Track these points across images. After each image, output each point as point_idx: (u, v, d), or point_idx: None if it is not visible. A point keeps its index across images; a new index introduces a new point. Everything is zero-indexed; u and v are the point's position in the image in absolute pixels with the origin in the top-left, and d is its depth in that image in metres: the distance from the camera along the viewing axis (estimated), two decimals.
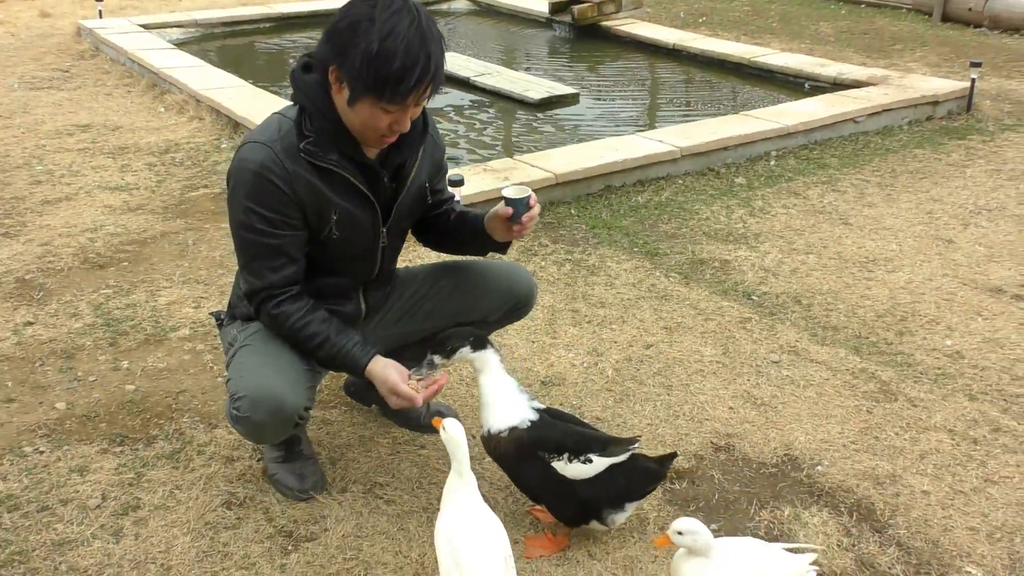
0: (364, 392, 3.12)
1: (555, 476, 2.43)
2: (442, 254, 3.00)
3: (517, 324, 3.69)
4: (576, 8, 9.31)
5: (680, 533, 2.18)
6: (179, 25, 9.45)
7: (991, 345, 3.69)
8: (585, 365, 3.48)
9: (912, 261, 4.45)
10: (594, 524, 2.51)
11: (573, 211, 4.95)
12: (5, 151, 5.87)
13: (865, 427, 3.15)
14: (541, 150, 5.63)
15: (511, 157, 5.29)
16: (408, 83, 2.21)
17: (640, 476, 2.51)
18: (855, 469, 2.93)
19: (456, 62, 8.10)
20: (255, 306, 2.48)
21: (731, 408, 3.23)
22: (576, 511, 2.49)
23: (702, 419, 3.17)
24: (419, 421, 3.04)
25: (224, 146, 5.99)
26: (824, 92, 7.03)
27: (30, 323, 3.72)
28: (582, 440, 2.45)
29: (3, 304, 3.87)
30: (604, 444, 2.46)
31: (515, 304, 2.85)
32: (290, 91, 2.43)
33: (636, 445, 2.49)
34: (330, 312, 2.57)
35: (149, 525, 2.61)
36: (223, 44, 9.38)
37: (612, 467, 2.44)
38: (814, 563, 2.32)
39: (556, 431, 2.45)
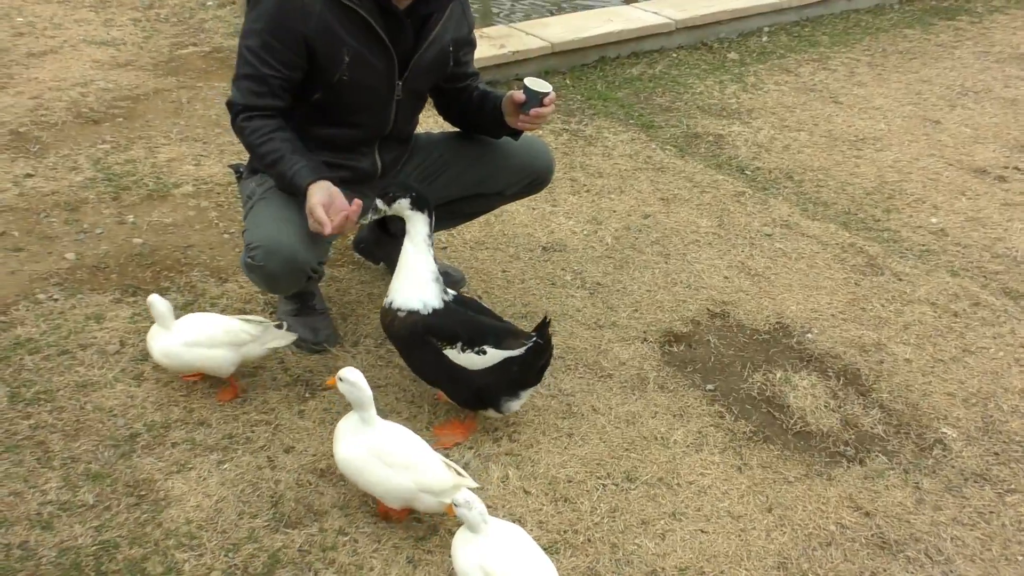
0: (372, 249, 3.18)
1: (447, 363, 2.42)
2: None
3: None
4: None
5: (341, 380, 2.17)
6: None
7: (974, 224, 3.81)
8: (585, 233, 3.56)
9: (900, 141, 4.53)
10: (490, 412, 2.52)
11: (568, 81, 4.94)
12: None
13: (853, 298, 3.28)
14: (536, 18, 5.57)
15: (507, 25, 5.22)
16: None
17: (533, 367, 2.46)
18: (843, 337, 3.08)
19: None
20: (231, 115, 2.51)
21: (726, 277, 3.35)
22: (471, 397, 2.48)
23: (698, 287, 3.28)
24: None
25: (210, 3, 5.85)
26: None
27: (30, 175, 3.71)
28: (477, 331, 2.41)
29: (1, 155, 3.84)
30: (500, 337, 2.42)
31: (534, 178, 2.89)
32: None
33: (533, 340, 2.42)
34: (346, 168, 2.61)
35: (168, 371, 2.70)
36: None
37: (507, 359, 2.41)
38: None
39: (453, 320, 2.41)
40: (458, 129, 2.93)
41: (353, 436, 2.20)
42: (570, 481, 2.44)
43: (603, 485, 2.44)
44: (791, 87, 5.11)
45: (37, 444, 2.43)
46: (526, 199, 3.67)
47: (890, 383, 2.89)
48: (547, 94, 2.54)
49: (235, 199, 3.59)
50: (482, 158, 2.83)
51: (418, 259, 2.41)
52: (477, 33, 4.92)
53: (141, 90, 4.56)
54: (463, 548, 2.01)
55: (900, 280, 3.41)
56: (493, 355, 2.41)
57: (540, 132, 4.33)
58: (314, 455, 2.45)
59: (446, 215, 3.00)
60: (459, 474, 2.18)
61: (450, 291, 2.48)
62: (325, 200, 2.33)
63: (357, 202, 2.31)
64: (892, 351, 3.03)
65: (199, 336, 2.50)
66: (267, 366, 2.75)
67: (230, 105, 2.50)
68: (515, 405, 2.50)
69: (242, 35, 2.44)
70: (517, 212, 3.65)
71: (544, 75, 4.92)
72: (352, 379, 2.16)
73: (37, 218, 3.43)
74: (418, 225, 2.40)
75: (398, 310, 2.41)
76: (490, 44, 4.82)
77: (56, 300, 2.98)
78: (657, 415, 2.69)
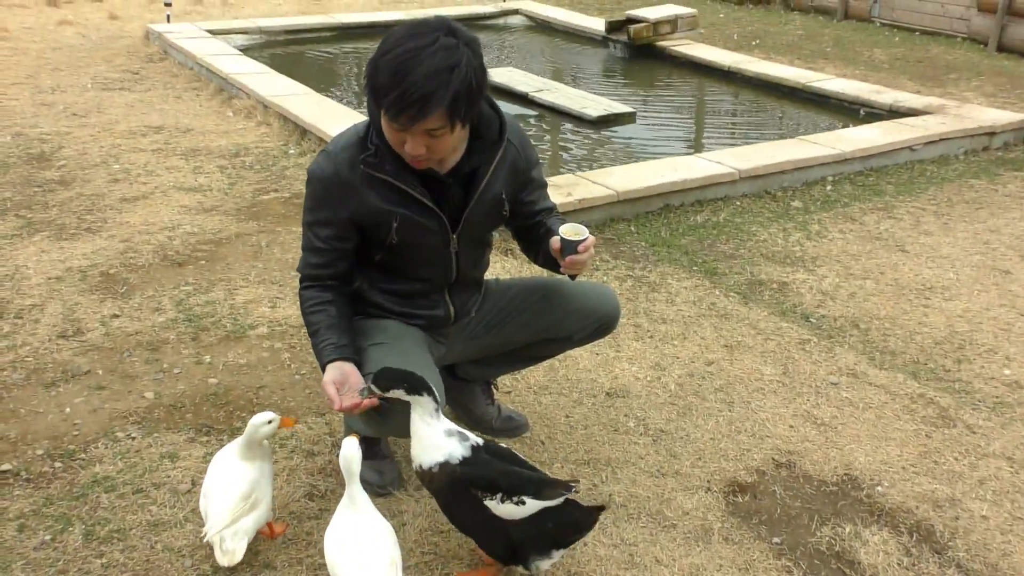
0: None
1: (487, 514, 2.38)
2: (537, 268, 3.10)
3: None
4: (632, 28, 9.43)
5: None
6: (243, 31, 9.70)
7: None
8: (648, 379, 3.58)
9: (969, 290, 4.51)
10: (520, 569, 2.49)
11: (633, 228, 5.06)
12: (83, 149, 6.10)
13: (924, 451, 3.22)
14: (598, 168, 5.75)
15: (573, 174, 5.40)
16: (386, 101, 2.29)
17: (569, 524, 2.45)
18: (914, 491, 3.01)
19: (515, 77, 8.25)
20: (299, 281, 2.68)
21: (791, 426, 3.32)
22: (505, 550, 2.45)
23: (763, 436, 3.26)
24: (491, 425, 3.16)
25: (292, 152, 6.17)
26: (879, 119, 7.09)
27: (116, 316, 3.89)
28: (517, 481, 2.38)
29: (90, 296, 4.05)
30: (538, 487, 2.39)
31: (600, 324, 2.95)
32: (355, 98, 2.57)
33: (572, 491, 2.41)
34: (419, 317, 2.70)
35: None
36: (286, 51, 9.61)
37: (544, 511, 2.38)
38: None
39: (490, 470, 2.39)
40: (533, 273, 3.01)
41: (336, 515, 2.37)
42: None
43: None
44: (856, 235, 5.15)
45: None
46: (590, 344, 3.74)
47: (967, 541, 2.80)
48: (582, 241, 2.59)
49: (307, 340, 3.69)
50: (551, 304, 2.90)
51: (429, 422, 2.40)
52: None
53: (224, 234, 4.79)
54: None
55: (973, 433, 3.34)
56: (531, 505, 2.37)
57: (604, 278, 4.42)
58: None
59: (515, 359, 3.07)
60: None
61: (476, 438, 2.45)
62: (337, 379, 2.47)
63: (372, 400, 2.42)
64: (967, 507, 2.95)
65: None
66: (331, 508, 2.77)
67: (299, 270, 2.69)
68: (545, 565, 2.44)
69: (303, 212, 2.64)
70: (580, 357, 3.70)
71: (609, 223, 5.05)
72: (346, 450, 2.34)
73: (120, 357, 3.58)
74: (423, 404, 2.39)
75: (430, 468, 2.39)
76: (557, 192, 4.97)
77: (133, 438, 3.08)
78: (722, 568, 2.64)
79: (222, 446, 3.00)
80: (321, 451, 3.06)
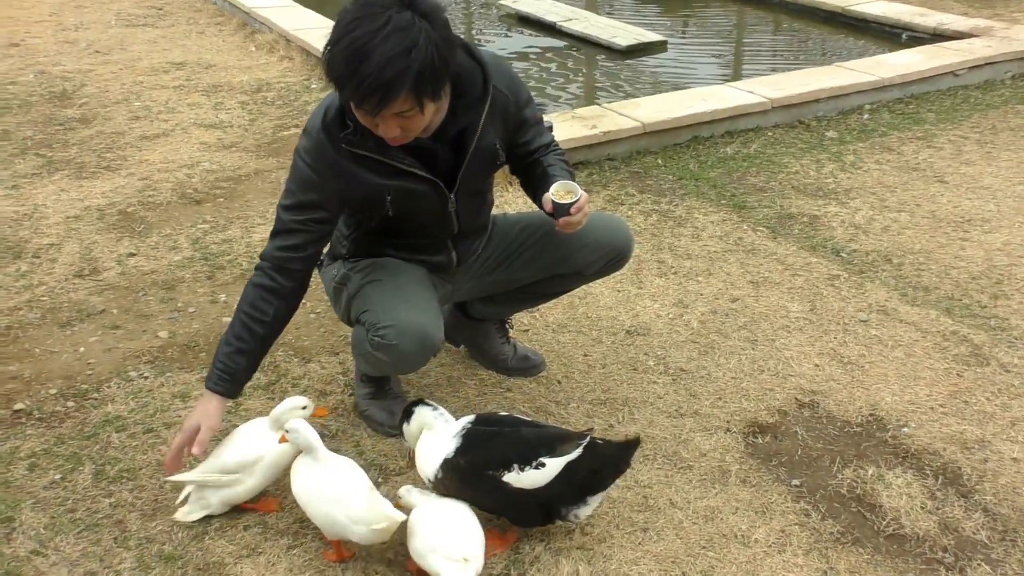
0: (453, 333, 3.18)
1: (510, 489, 2.28)
2: None
3: None
4: None
5: (288, 431, 2.36)
6: None
7: None
8: (670, 316, 3.49)
9: (1011, 222, 4.33)
10: (557, 522, 2.39)
11: (660, 161, 4.92)
12: (105, 87, 6.05)
13: (955, 390, 3.11)
14: (627, 98, 5.59)
15: (600, 106, 5.25)
16: (346, 93, 2.16)
17: (601, 467, 2.34)
18: (943, 433, 2.91)
19: (543, 6, 8.04)
20: (256, 267, 2.51)
21: (816, 365, 3.22)
22: (538, 515, 2.35)
23: (787, 375, 3.17)
24: (506, 364, 3.10)
25: (313, 86, 6.08)
26: (923, 43, 6.81)
27: (132, 254, 3.87)
28: (528, 445, 2.29)
29: (107, 235, 4.03)
30: (552, 444, 2.29)
31: (611, 258, 2.82)
32: None
33: (587, 439, 2.32)
34: (422, 263, 2.63)
35: None
36: None
37: (568, 465, 2.28)
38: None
39: (495, 444, 2.31)
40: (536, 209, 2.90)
41: (303, 471, 2.35)
42: None
43: None
44: (893, 166, 4.97)
45: (116, 523, 2.47)
46: (611, 281, 3.65)
47: (995, 484, 2.71)
48: (571, 204, 2.44)
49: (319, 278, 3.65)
50: (559, 238, 2.78)
51: (432, 436, 2.39)
52: (570, 114, 4.99)
53: (243, 171, 4.73)
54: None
55: (1008, 372, 3.22)
56: (553, 465, 2.27)
57: (629, 213, 4.31)
58: (382, 544, 2.42)
59: (526, 296, 2.99)
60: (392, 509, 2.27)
61: (464, 419, 2.39)
62: (193, 428, 2.39)
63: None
64: (998, 449, 2.85)
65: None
66: (342, 449, 2.76)
67: (262, 252, 2.52)
68: (585, 512, 2.35)
69: (283, 194, 2.47)
70: (602, 294, 3.61)
71: (635, 155, 4.92)
72: (294, 427, 2.33)
73: (135, 296, 3.55)
74: (425, 418, 2.42)
75: (436, 475, 2.33)
76: (582, 125, 4.84)
77: (146, 378, 3.07)
78: (738, 511, 2.57)
79: None
80: (333, 391, 3.02)
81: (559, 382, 3.09)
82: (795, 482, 2.69)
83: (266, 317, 2.44)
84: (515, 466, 2.26)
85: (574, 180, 2.60)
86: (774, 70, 6.43)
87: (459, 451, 2.30)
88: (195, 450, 2.37)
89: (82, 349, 3.23)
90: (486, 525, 2.35)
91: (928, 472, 2.74)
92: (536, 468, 2.26)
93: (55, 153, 4.95)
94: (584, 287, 3.60)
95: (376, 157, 2.37)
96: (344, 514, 2.25)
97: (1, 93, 5.92)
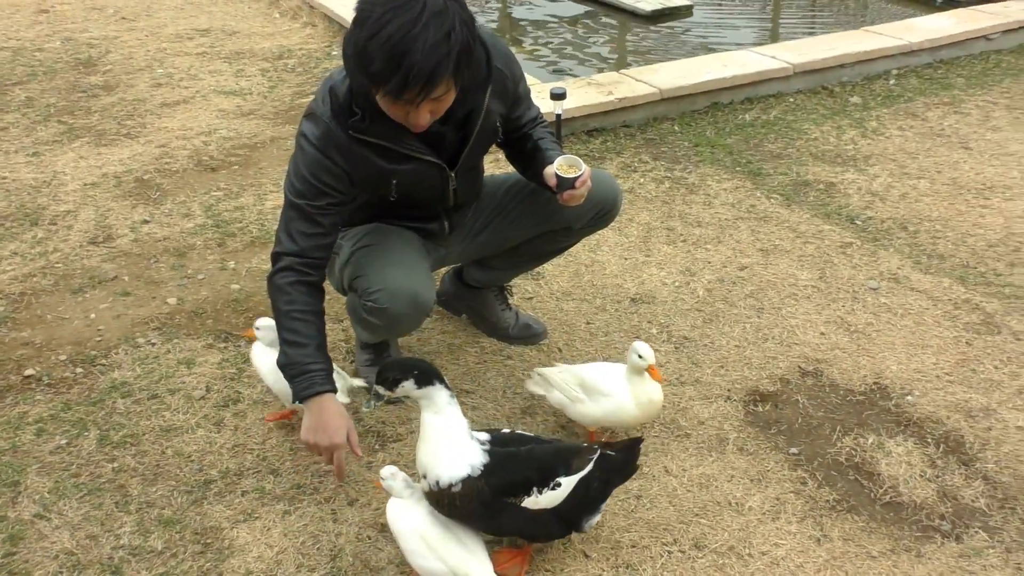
0: (452, 302, 3.19)
1: (529, 513, 2.17)
2: None
3: (610, 240, 3.71)
4: None
5: (383, 479, 2.23)
6: None
7: None
8: (676, 284, 3.47)
9: None
10: (573, 534, 2.33)
11: (676, 128, 4.86)
12: (130, 53, 6.10)
13: (962, 359, 3.07)
14: (649, 64, 5.53)
15: (616, 71, 5.20)
16: (391, 85, 2.09)
17: (610, 475, 2.28)
18: (947, 401, 2.87)
19: None
20: (275, 267, 2.41)
21: (822, 334, 3.19)
22: (556, 529, 2.26)
23: (791, 343, 3.14)
24: (507, 332, 3.10)
25: (335, 53, 6.08)
26: (958, 6, 6.64)
27: (146, 221, 3.91)
28: (544, 465, 2.18)
29: (123, 202, 4.08)
30: (567, 461, 2.20)
31: (599, 211, 2.80)
32: None
33: (598, 452, 2.25)
34: (415, 230, 2.63)
35: (248, 418, 2.77)
36: None
37: (582, 480, 2.20)
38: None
39: (515, 468, 2.15)
40: None
41: (406, 502, 2.21)
42: (634, 546, 2.35)
43: (669, 552, 2.34)
44: (916, 132, 4.87)
45: (118, 488, 2.53)
46: (619, 248, 3.64)
47: (997, 452, 2.68)
48: (576, 177, 2.47)
49: None
50: (545, 194, 2.75)
51: (446, 422, 2.13)
52: (586, 81, 4.95)
53: (259, 138, 4.76)
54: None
55: (1019, 340, 3.16)
56: (568, 483, 2.18)
57: (642, 180, 4.27)
58: (376, 509, 2.45)
59: (519, 258, 2.98)
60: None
61: (482, 434, 2.20)
62: (316, 425, 2.31)
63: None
64: (1003, 417, 2.81)
65: None
66: None
67: (277, 256, 2.41)
68: (596, 518, 2.30)
69: (286, 186, 2.41)
70: (608, 262, 3.59)
71: (652, 122, 4.87)
72: (386, 474, 2.23)
73: (147, 263, 3.60)
74: (435, 398, 2.13)
75: (450, 486, 2.10)
76: (598, 91, 4.80)
77: (153, 344, 3.12)
78: (733, 479, 2.57)
79: (239, 352, 3.03)
80: (336, 357, 3.03)
81: (559, 350, 3.10)
82: (793, 450, 2.68)
83: (319, 307, 2.41)
84: (534, 488, 2.16)
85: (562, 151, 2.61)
86: (810, 34, 6.31)
87: (485, 471, 2.11)
88: (359, 452, 2.37)
89: (93, 315, 3.28)
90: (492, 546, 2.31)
91: (930, 440, 2.72)
92: (553, 489, 2.17)
93: (77, 120, 5.01)
94: (591, 254, 3.60)
95: (385, 144, 2.35)
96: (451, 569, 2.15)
97: (28, 60, 5.99)
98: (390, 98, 2.15)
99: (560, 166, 2.50)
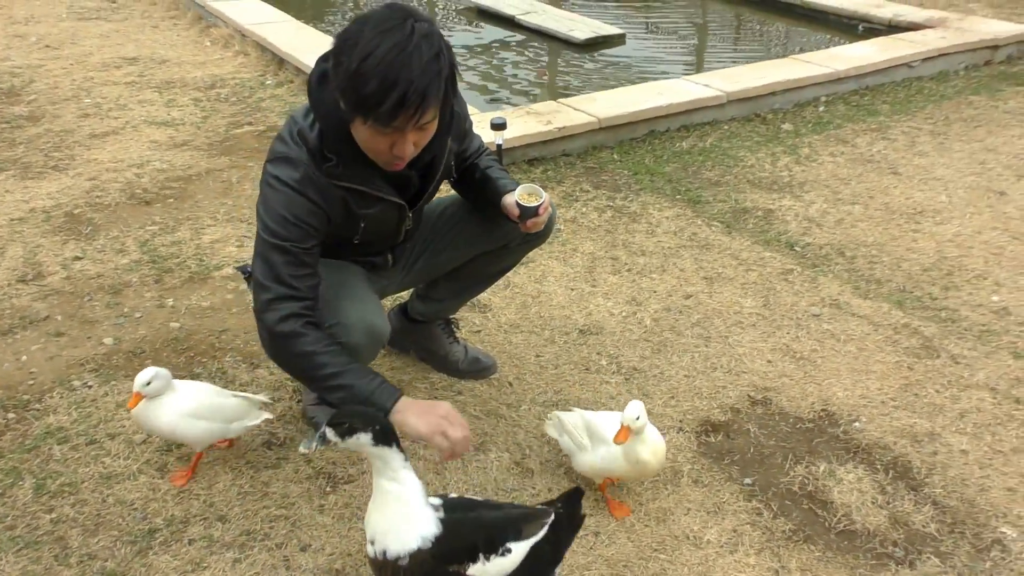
0: (400, 339, 3.14)
1: None
2: None
3: (556, 271, 3.71)
4: None
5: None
6: None
7: None
8: (623, 314, 3.48)
9: (962, 213, 4.36)
10: None
11: (616, 156, 4.90)
12: (55, 83, 5.93)
13: (905, 384, 3.12)
14: (586, 92, 5.57)
15: (556, 101, 5.22)
16: (385, 107, 2.03)
17: (562, 535, 2.15)
18: (893, 426, 2.92)
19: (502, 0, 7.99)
20: (276, 317, 2.26)
21: (769, 361, 3.22)
22: None
23: (740, 371, 3.16)
24: (457, 366, 3.07)
25: (268, 82, 5.99)
26: (878, 35, 6.86)
27: (79, 258, 3.79)
28: (494, 530, 2.04)
29: (53, 238, 3.94)
30: (518, 526, 2.07)
31: None
32: (335, 27, 2.35)
33: (552, 515, 2.11)
34: (359, 263, 2.59)
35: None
36: None
37: (535, 546, 2.06)
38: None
39: (463, 534, 2.01)
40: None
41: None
42: None
43: None
44: (847, 158, 4.99)
45: (57, 540, 2.41)
46: (565, 279, 3.63)
47: (944, 477, 2.72)
48: (538, 205, 2.52)
49: None
50: (478, 214, 2.75)
51: (400, 490, 1.97)
52: (525, 110, 4.96)
53: (194, 170, 4.66)
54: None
55: (957, 363, 3.24)
56: (519, 549, 2.03)
57: (584, 209, 4.29)
58: (331, 554, 2.38)
59: (461, 284, 2.95)
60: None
61: (433, 499, 2.06)
62: (426, 410, 2.22)
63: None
64: (947, 441, 2.86)
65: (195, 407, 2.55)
66: (290, 457, 2.72)
67: (273, 301, 2.26)
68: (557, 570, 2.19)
69: (266, 233, 2.27)
70: (555, 293, 3.59)
71: (591, 151, 4.90)
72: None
73: (81, 301, 3.48)
74: (388, 460, 1.97)
75: (397, 559, 1.95)
76: (537, 120, 4.81)
77: (90, 387, 3.00)
78: (690, 512, 2.57)
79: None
80: (282, 397, 2.97)
81: (510, 384, 3.07)
82: (747, 481, 2.69)
83: (335, 342, 2.31)
84: (481, 556, 2.00)
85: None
86: (734, 63, 6.44)
87: (436, 543, 1.97)
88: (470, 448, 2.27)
89: (24, 358, 3.16)
90: None
91: (879, 466, 2.75)
92: (503, 555, 2.02)
93: (0, 152, 4.84)
94: (537, 286, 3.59)
95: (359, 188, 2.31)
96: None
97: None
98: (379, 125, 2.09)
99: (521, 195, 2.52)
